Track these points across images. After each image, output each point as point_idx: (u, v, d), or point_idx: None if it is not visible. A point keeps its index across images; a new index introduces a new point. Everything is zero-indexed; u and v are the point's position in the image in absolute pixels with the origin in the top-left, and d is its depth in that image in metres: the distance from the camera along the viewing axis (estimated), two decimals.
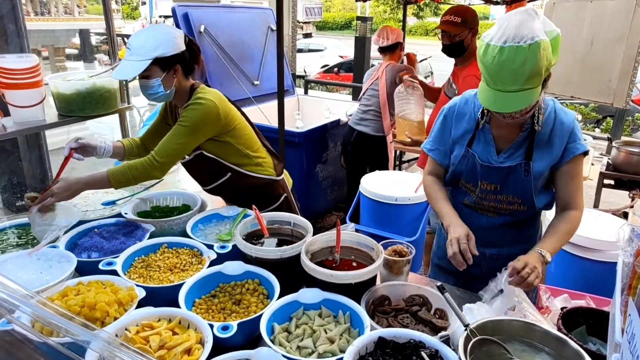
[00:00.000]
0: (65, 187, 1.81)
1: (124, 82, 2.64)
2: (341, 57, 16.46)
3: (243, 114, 2.14)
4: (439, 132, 1.84)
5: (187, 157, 2.03)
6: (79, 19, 8.39)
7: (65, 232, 1.82)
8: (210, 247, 1.74)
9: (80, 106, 2.36)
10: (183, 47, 1.90)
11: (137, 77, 1.84)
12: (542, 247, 1.57)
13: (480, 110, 1.70)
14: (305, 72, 15.51)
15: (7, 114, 2.24)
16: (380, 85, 3.93)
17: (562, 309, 1.47)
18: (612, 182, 3.95)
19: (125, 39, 10.10)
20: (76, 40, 10.19)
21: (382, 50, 4.05)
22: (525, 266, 1.46)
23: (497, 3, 5.14)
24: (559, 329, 1.34)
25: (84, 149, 1.96)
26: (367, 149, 4.10)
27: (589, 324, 1.44)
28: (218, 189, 2.18)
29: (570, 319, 1.43)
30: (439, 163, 1.85)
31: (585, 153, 1.63)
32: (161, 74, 1.86)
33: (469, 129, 1.73)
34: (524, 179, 1.64)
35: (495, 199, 1.71)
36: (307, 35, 24.19)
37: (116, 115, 2.76)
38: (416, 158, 6.13)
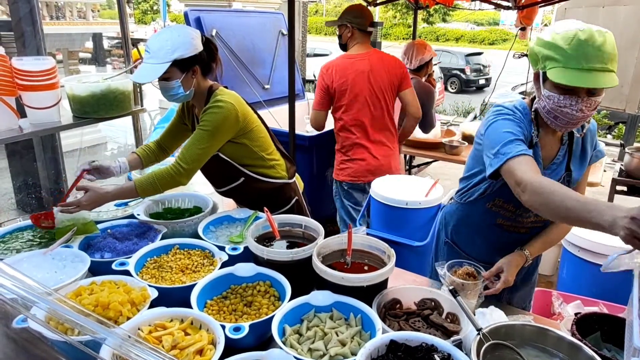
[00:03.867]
0: (93, 199, 1.83)
1: (138, 85, 2.67)
2: None
3: (259, 116, 2.15)
4: (515, 127, 1.56)
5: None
6: (93, 23, 8.51)
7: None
8: (221, 248, 1.75)
9: (94, 108, 2.39)
10: (201, 48, 1.92)
11: (157, 79, 1.86)
12: (529, 249, 1.65)
13: (534, 125, 1.59)
14: (314, 76, 15.53)
15: (23, 115, 2.27)
16: None
17: (575, 314, 1.46)
18: (624, 188, 3.91)
19: (140, 43, 10.21)
20: (89, 44, 10.33)
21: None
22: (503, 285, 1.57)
23: (508, 8, 5.12)
24: (573, 335, 1.32)
25: (97, 170, 1.98)
26: None
27: (603, 330, 1.42)
28: (231, 192, 2.19)
29: (584, 324, 1.41)
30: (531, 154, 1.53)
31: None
32: (180, 76, 1.88)
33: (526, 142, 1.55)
34: None
35: (535, 213, 1.64)
36: None
37: (128, 119, 2.79)
38: (426, 163, 6.12)
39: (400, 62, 3.29)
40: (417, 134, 4.62)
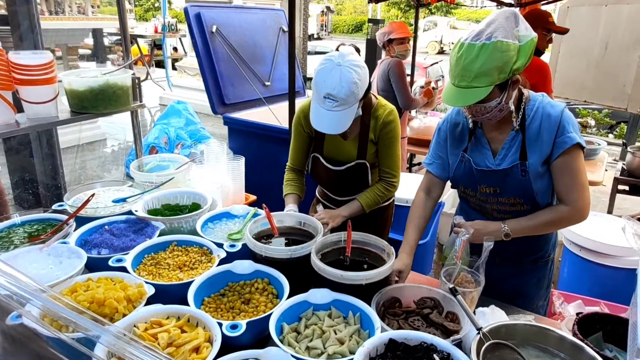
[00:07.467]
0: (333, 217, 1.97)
1: (137, 80, 2.64)
2: None
3: None
4: (436, 146, 1.85)
5: (343, 166, 2.07)
6: (92, 18, 8.47)
7: (76, 229, 1.83)
8: (220, 245, 1.73)
9: (92, 103, 2.36)
10: None
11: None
12: (509, 223, 1.63)
13: None
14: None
15: (20, 110, 2.25)
16: (374, 84, 3.99)
17: (577, 314, 1.44)
18: (626, 187, 3.89)
19: (138, 39, 10.16)
20: (89, 40, 10.28)
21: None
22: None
23: (510, 6, 5.10)
24: (575, 335, 1.31)
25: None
26: None
27: (605, 331, 1.40)
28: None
29: (585, 324, 1.39)
30: (438, 176, 1.85)
31: (579, 145, 1.54)
32: None
33: (464, 137, 1.75)
34: (522, 179, 1.61)
35: (496, 201, 1.69)
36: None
37: (128, 115, 2.76)
38: None
39: None
40: (419, 131, 4.61)
